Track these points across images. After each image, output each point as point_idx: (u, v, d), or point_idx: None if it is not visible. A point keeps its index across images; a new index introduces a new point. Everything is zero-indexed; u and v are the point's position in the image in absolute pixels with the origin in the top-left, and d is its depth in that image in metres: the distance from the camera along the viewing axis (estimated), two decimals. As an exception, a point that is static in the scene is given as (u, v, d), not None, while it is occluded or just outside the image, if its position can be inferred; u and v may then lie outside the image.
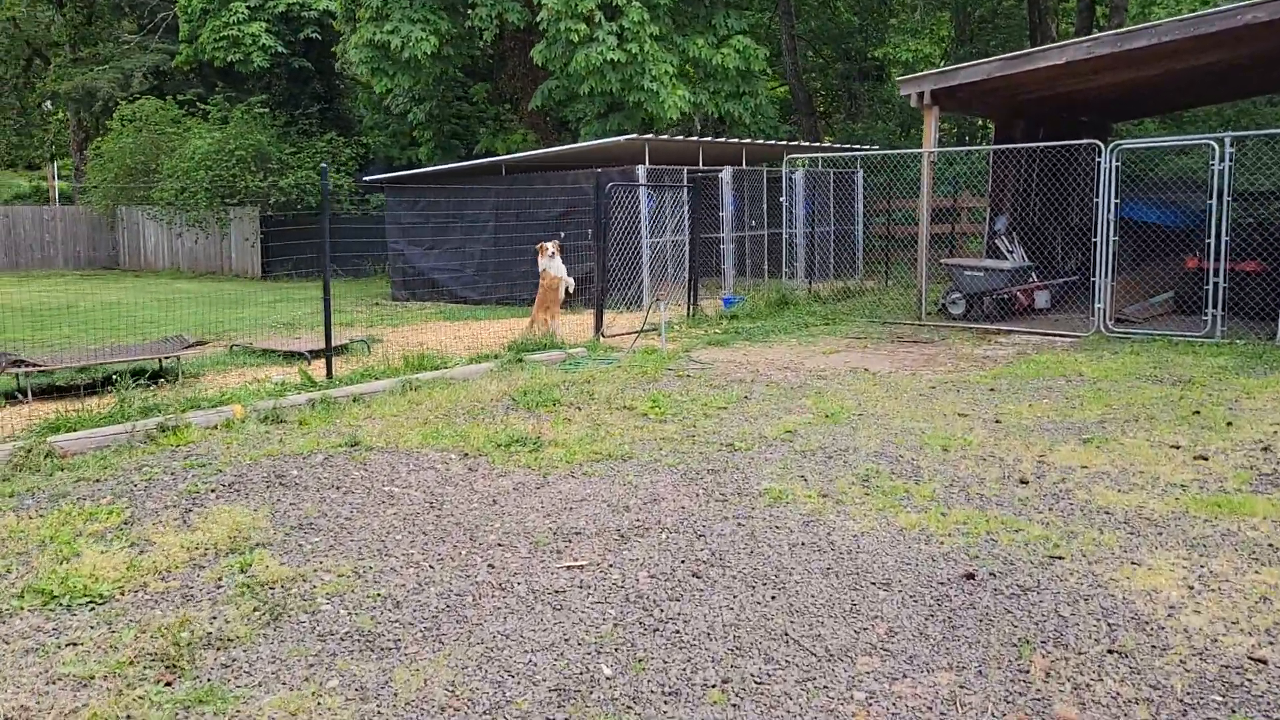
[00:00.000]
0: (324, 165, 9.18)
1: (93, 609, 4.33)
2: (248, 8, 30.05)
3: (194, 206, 29.46)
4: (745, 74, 21.86)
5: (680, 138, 16.43)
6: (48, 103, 44.57)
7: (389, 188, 18.91)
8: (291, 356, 10.74)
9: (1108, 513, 5.52)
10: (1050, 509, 5.60)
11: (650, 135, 15.78)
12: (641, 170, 15.47)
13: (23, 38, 44.37)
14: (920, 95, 13.63)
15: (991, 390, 8.98)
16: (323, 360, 9.79)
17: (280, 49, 30.51)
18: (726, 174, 16.88)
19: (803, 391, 8.99)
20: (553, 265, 12.13)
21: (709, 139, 16.91)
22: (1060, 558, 4.87)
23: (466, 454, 6.87)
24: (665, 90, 19.92)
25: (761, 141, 17.95)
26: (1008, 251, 15.07)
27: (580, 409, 8.31)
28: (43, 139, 48.34)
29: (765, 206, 17.96)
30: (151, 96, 34.68)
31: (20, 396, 8.75)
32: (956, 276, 14.08)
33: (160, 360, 9.57)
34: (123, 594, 4.48)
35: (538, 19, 19.66)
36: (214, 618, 4.22)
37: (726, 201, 17.06)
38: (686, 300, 13.74)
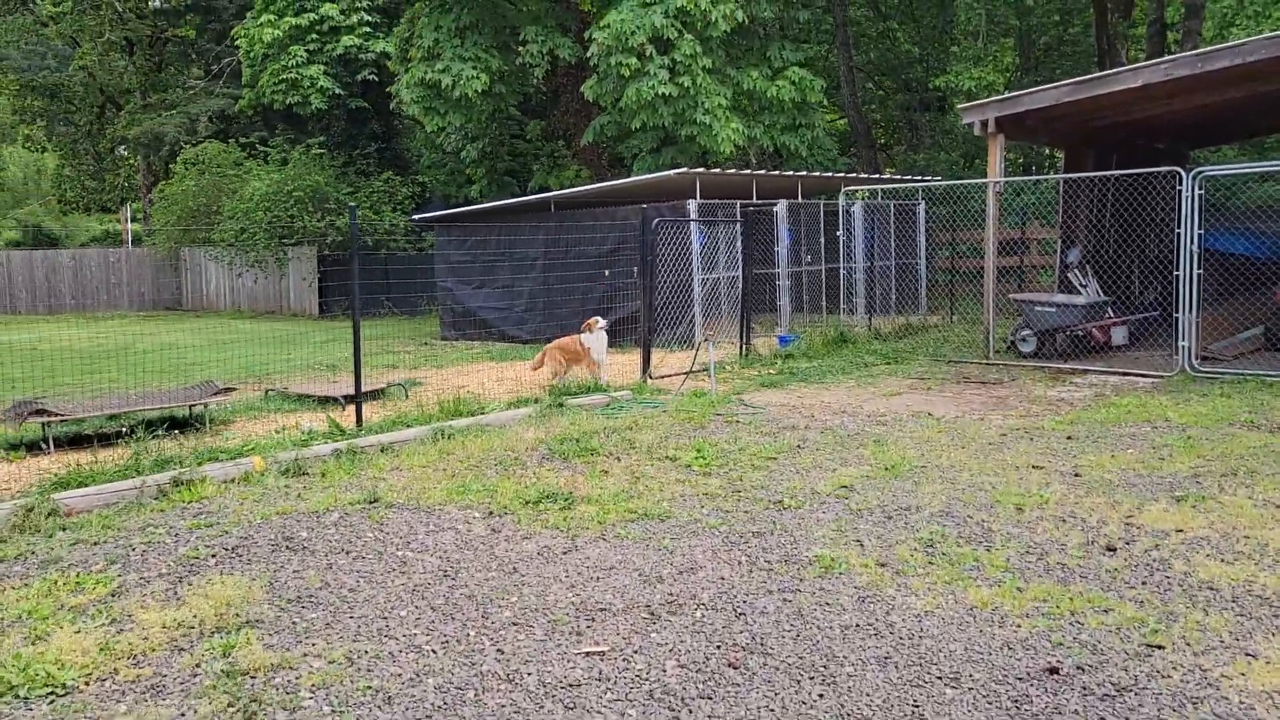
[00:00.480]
0: (351, 205, 8.82)
1: (52, 702, 3.86)
2: (306, 51, 30.37)
3: (253, 247, 29.70)
4: (801, 106, 21.34)
5: (732, 171, 15.93)
6: (120, 148, 45.71)
7: (438, 226, 18.67)
8: (326, 402, 10.37)
9: (1212, 588, 4.79)
10: (1144, 583, 4.89)
11: (701, 169, 15.30)
12: (692, 205, 14.98)
13: (96, 86, 45.63)
14: (984, 123, 12.96)
15: (1068, 438, 8.24)
16: (355, 406, 9.40)
17: (338, 91, 30.77)
18: (781, 207, 16.32)
19: (860, 439, 8.34)
20: (597, 343, 11.54)
21: (762, 172, 16.39)
22: (1160, 647, 4.18)
23: (491, 512, 6.35)
24: (718, 123, 19.46)
25: (818, 174, 17.38)
26: (1081, 285, 14.25)
27: (619, 459, 7.75)
28: (114, 183, 49.55)
29: (823, 241, 17.34)
30: (215, 140, 35.23)
31: (44, 447, 8.46)
32: (1027, 312, 13.31)
33: (190, 408, 9.24)
34: (88, 684, 4.01)
35: (589, 54, 19.37)
36: (181, 715, 3.73)
37: (782, 236, 16.48)
38: (739, 339, 13.16)
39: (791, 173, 17.04)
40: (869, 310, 16.33)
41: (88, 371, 14.48)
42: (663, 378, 11.79)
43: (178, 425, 9.15)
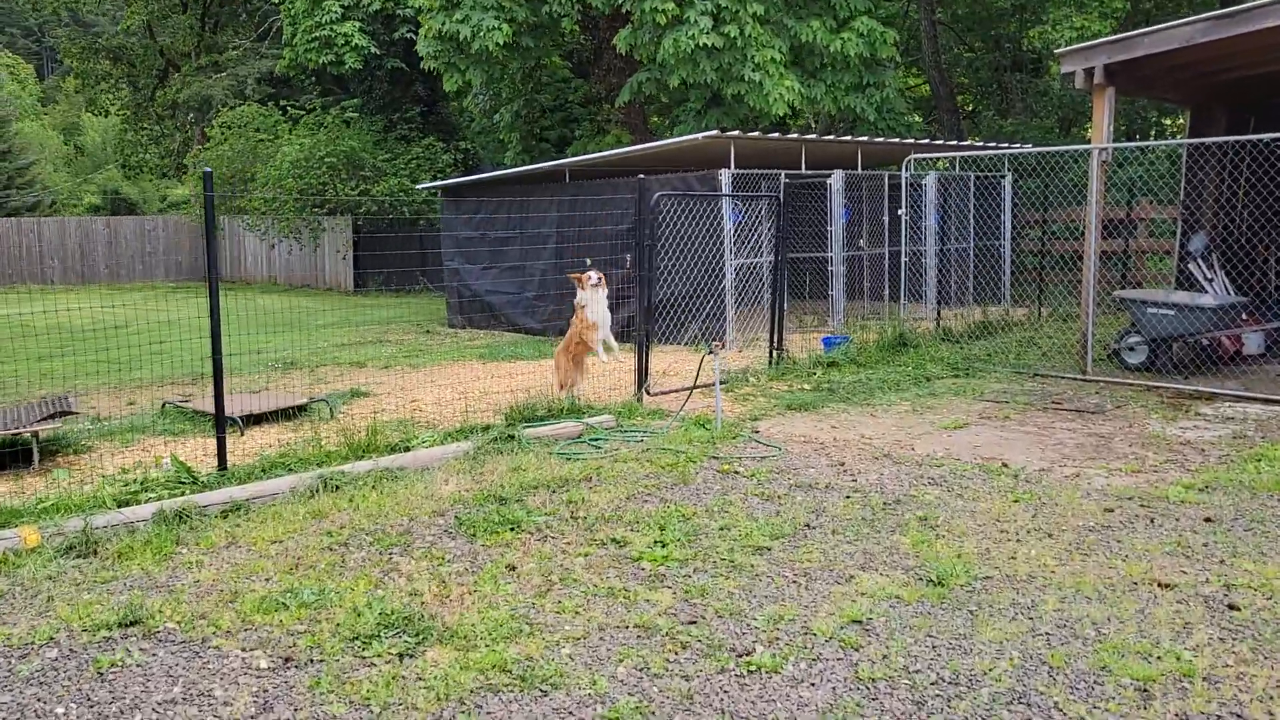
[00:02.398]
0: (207, 169, 6.55)
1: None
2: (341, 6, 28.33)
3: (284, 216, 27.96)
4: (870, 62, 18.51)
5: (776, 135, 13.35)
6: (169, 112, 44.62)
7: (445, 197, 16.45)
8: (232, 423, 8.19)
9: None
10: None
11: (736, 132, 12.77)
12: (725, 175, 12.47)
13: (156, 48, 44.54)
14: (1090, 73, 10.19)
15: (1207, 520, 5.65)
16: (261, 426, 7.24)
17: (374, 50, 28.70)
18: (836, 179, 13.70)
19: (900, 512, 5.86)
20: (594, 302, 9.16)
21: (812, 137, 13.78)
22: None
23: (290, 658, 4.06)
24: (770, 81, 16.81)
25: (881, 140, 14.67)
26: (1205, 279, 11.40)
27: (547, 539, 5.42)
28: (169, 148, 48.61)
29: (888, 219, 14.67)
30: (259, 103, 33.57)
31: None
32: (1136, 314, 10.55)
33: (15, 434, 7.10)
34: None
35: (620, 1, 16.89)
36: None
37: (836, 214, 13.88)
38: (770, 341, 10.66)
39: (850, 138, 14.36)
40: (939, 303, 13.65)
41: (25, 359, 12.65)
42: (665, 394, 9.37)
43: (18, 456, 7.09)
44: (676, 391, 9.43)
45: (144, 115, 46.92)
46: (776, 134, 13.33)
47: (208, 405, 8.35)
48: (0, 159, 39.32)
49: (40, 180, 45.88)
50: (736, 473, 6.79)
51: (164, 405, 8.69)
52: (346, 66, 28.60)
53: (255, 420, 8.16)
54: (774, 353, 10.55)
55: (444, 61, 19.53)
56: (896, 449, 7.51)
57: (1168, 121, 27.22)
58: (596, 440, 7.72)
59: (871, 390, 9.74)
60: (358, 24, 28.41)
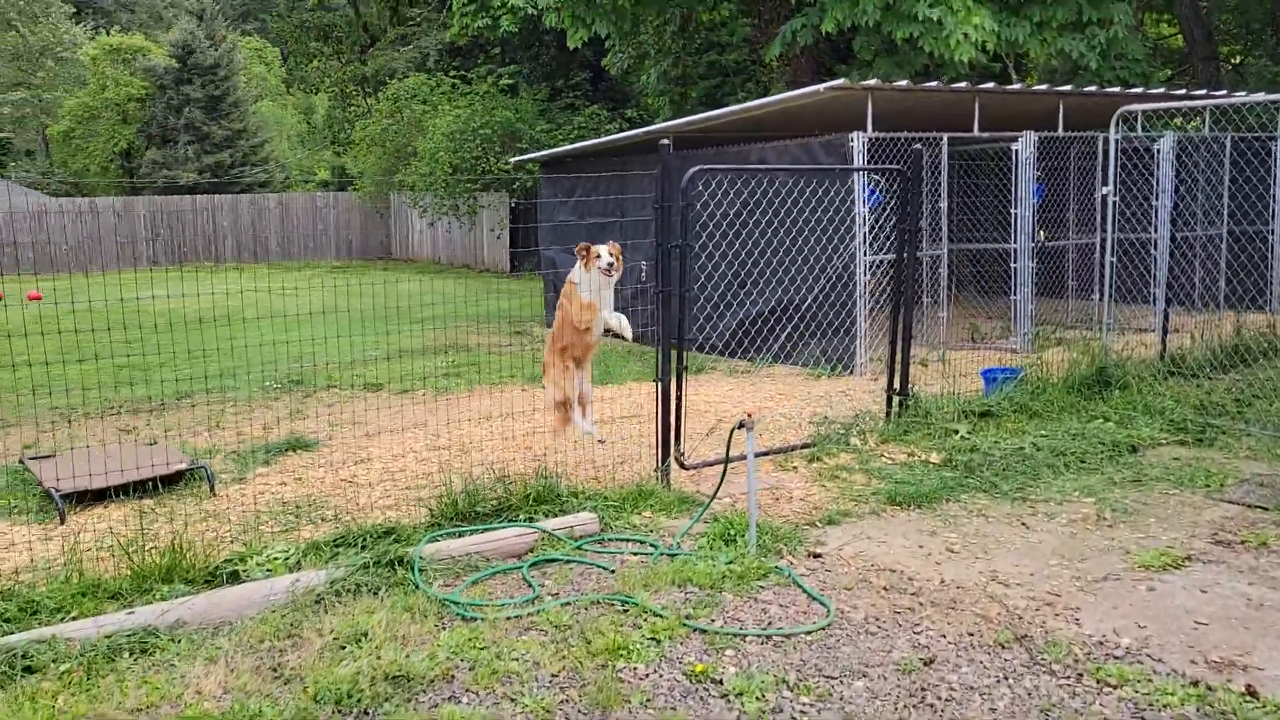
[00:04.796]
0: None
1: None
2: (495, -35, 26.25)
3: (437, 192, 26.33)
4: (1093, -7, 14.38)
5: (933, 85, 9.80)
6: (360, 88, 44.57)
7: (542, 172, 13.83)
8: (62, 500, 5.77)
9: None
10: None
11: (873, 81, 9.36)
12: (858, 141, 9.14)
13: (360, 23, 44.65)
14: None
15: None
16: (104, 505, 4.86)
17: (531, 10, 26.46)
18: (1024, 144, 10.07)
19: None
20: (595, 286, 6.47)
21: (988, 86, 10.10)
22: None
23: None
24: (953, 20, 13.12)
25: (1090, 91, 10.76)
26: None
27: None
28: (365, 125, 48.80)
29: (1111, 196, 10.80)
30: (435, 74, 32.19)
31: None
32: None
33: None
34: None
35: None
36: None
37: (1024, 190, 10.24)
38: (889, 376, 7.31)
39: (1045, 88, 10.57)
40: (1166, 313, 9.75)
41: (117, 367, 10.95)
42: (710, 465, 6.30)
43: None
44: (732, 462, 6.37)
45: (351, 93, 47.18)
46: (935, 84, 9.83)
47: (53, 471, 6.02)
48: (237, 137, 40.27)
49: (274, 158, 47.01)
50: (718, 680, 3.75)
51: (22, 459, 6.47)
52: (502, 30, 26.58)
53: (98, 496, 5.78)
54: (894, 398, 7.23)
55: (571, 13, 16.92)
56: (1044, 619, 4.23)
57: None
58: (546, 562, 4.85)
59: (1036, 469, 6.32)
60: (517, -17, 26.28)
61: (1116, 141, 8.81)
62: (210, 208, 30.75)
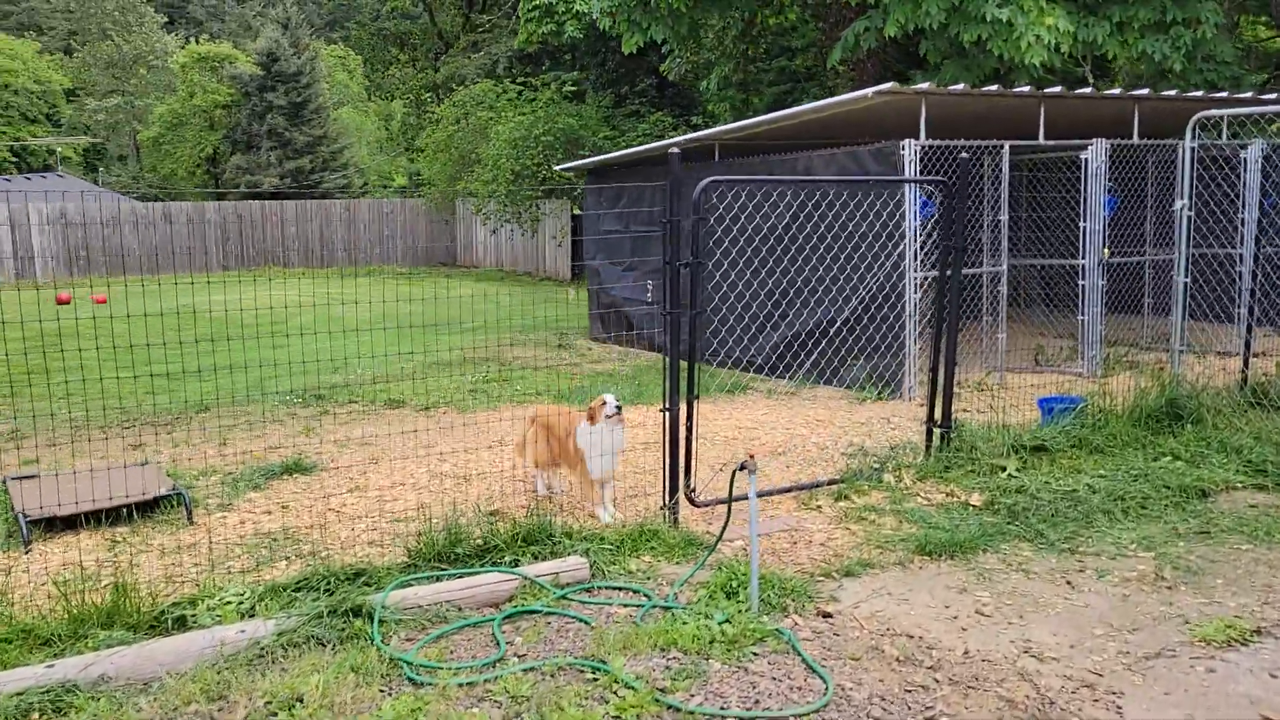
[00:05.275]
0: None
1: None
2: (565, -31, 26.01)
3: (500, 199, 26.19)
4: (1178, -9, 13.47)
5: (994, 89, 9.07)
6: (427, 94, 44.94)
7: (589, 180, 13.41)
8: (28, 525, 5.49)
9: None
10: None
11: (926, 85, 8.69)
12: (911, 150, 8.52)
13: (435, 30, 45.02)
14: None
15: None
16: (75, 532, 4.54)
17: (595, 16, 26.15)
18: (1094, 152, 9.34)
19: None
20: (596, 442, 5.68)
21: (1054, 91, 9.34)
22: None
23: None
24: (1024, 20, 12.37)
25: (1167, 95, 9.93)
26: None
27: None
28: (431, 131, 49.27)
29: (1188, 210, 9.99)
30: (502, 80, 32.16)
31: None
32: None
33: None
34: None
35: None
36: None
37: (1094, 202, 9.50)
38: (930, 405, 6.67)
39: (1119, 93, 9.79)
40: (1250, 336, 8.90)
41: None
42: (722, 502, 5.76)
43: None
44: (744, 500, 5.84)
45: (422, 98, 47.63)
46: (994, 88, 9.12)
47: (35, 493, 5.76)
48: (318, 143, 40.94)
49: (353, 164, 47.68)
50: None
51: (2, 480, 6.21)
52: (567, 36, 26.35)
53: (69, 524, 5.49)
54: (934, 431, 6.61)
55: (626, 17, 16.52)
56: (1080, 706, 3.64)
57: None
58: (524, 614, 4.40)
59: (1089, 515, 5.66)
60: (581, -11, 26.01)
61: (1193, 150, 8.03)
62: (279, 213, 31.06)
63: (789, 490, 6.12)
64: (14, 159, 52.28)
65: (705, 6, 16.27)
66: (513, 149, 25.47)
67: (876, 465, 6.47)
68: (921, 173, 8.55)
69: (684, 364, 5.54)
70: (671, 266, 5.39)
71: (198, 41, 45.64)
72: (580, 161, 14.55)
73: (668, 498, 5.56)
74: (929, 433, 6.62)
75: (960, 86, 9.29)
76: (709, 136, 10.94)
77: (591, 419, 5.70)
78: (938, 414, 6.59)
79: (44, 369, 10.63)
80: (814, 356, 9.53)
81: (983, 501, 5.89)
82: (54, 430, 8.27)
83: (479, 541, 4.99)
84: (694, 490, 5.70)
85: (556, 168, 17.42)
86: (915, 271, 8.63)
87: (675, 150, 5.36)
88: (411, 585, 4.54)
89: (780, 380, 10.02)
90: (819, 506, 5.94)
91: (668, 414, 5.48)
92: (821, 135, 10.34)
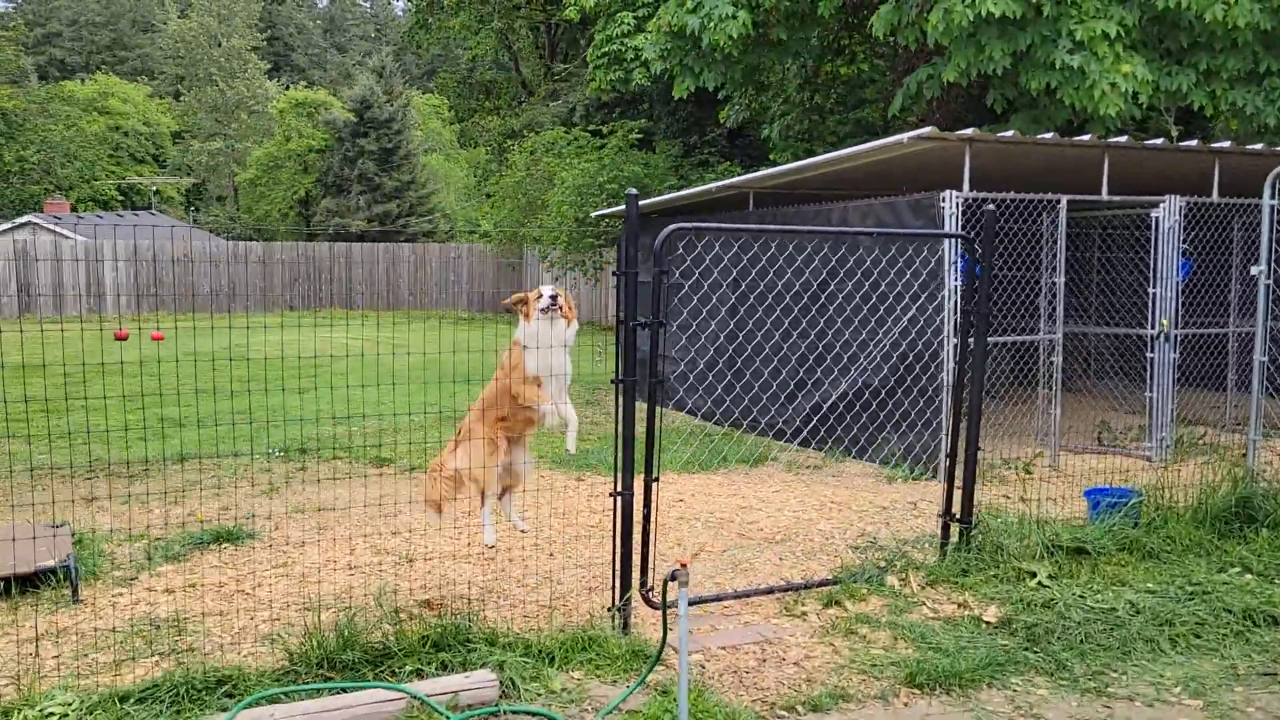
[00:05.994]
0: None
1: None
2: (635, 18, 25.71)
3: (561, 246, 25.95)
4: (1273, 39, 12.35)
5: (1048, 137, 8.14)
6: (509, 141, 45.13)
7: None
8: None
9: None
10: None
11: (970, 131, 7.83)
12: (950, 201, 7.65)
13: (519, 79, 45.35)
14: None
15: None
16: None
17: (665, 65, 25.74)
18: (1167, 211, 8.34)
19: None
20: (543, 341, 5.05)
21: (1120, 141, 8.35)
22: None
23: None
24: (1098, 67, 11.41)
25: (1253, 150, 8.87)
26: None
27: None
28: (500, 177, 49.61)
29: (1265, 278, 8.89)
30: (575, 128, 32.03)
31: None
32: None
33: None
34: None
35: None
36: None
37: (1166, 265, 8.48)
38: (947, 487, 5.73)
39: (1196, 145, 8.76)
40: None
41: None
42: (693, 604, 4.93)
43: None
44: (728, 600, 5.01)
45: (504, 146, 47.96)
46: (1049, 136, 8.19)
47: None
48: (406, 188, 41.48)
49: (441, 209, 48.18)
50: None
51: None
52: (634, 84, 25.98)
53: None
54: (950, 526, 5.68)
55: (678, 61, 16.00)
56: None
57: None
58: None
59: (1127, 643, 4.67)
60: (649, 36, 25.67)
61: (1272, 207, 6.99)
62: (347, 255, 31.18)
63: (770, 591, 5.26)
64: (121, 197, 54.28)
65: (761, 53, 15.62)
66: (577, 195, 25.20)
67: (882, 564, 5.57)
68: (963, 228, 7.66)
69: (656, 432, 4.75)
70: (626, 326, 4.65)
71: (298, 88, 46.81)
72: (610, 210, 13.91)
73: (617, 597, 4.75)
74: (944, 528, 5.69)
75: (1010, 133, 8.40)
76: (743, 184, 10.19)
77: (527, 316, 5.05)
78: (956, 506, 5.67)
79: (45, 409, 10.29)
80: (844, 426, 8.64)
81: (999, 617, 4.94)
82: (13, 476, 7.82)
83: (378, 646, 4.25)
84: (650, 589, 4.88)
85: (593, 214, 16.87)
86: (954, 336, 7.71)
87: (632, 191, 4.63)
88: (265, 704, 3.81)
89: (808, 450, 9.13)
90: (804, 613, 5.06)
91: (618, 499, 4.70)
92: (865, 185, 9.51)
